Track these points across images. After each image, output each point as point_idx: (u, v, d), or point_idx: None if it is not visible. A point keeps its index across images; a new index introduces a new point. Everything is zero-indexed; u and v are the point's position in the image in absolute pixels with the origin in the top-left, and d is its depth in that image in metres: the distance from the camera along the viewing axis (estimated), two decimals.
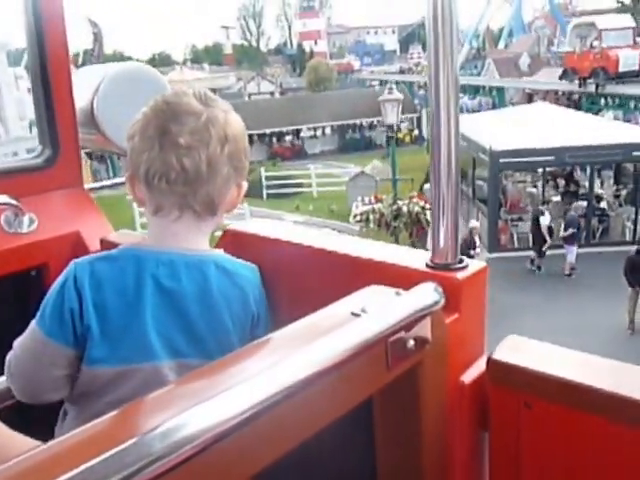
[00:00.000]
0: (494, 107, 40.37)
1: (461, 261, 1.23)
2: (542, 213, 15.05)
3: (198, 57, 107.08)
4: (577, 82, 30.56)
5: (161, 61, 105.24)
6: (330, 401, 0.93)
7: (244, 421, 0.74)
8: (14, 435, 0.96)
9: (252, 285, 1.30)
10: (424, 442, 1.15)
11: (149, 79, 1.65)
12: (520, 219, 16.77)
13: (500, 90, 40.60)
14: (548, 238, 14.43)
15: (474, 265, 1.24)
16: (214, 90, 57.82)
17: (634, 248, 12.45)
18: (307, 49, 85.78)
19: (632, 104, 28.78)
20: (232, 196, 1.25)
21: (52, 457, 0.69)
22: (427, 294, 1.06)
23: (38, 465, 0.67)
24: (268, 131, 37.99)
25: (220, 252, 1.32)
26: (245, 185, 1.26)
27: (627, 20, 30.04)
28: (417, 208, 11.30)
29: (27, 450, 0.70)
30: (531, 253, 15.16)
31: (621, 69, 27.82)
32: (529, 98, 39.81)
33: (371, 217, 11.22)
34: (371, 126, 39.85)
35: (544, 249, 14.64)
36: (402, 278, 1.14)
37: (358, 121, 38.94)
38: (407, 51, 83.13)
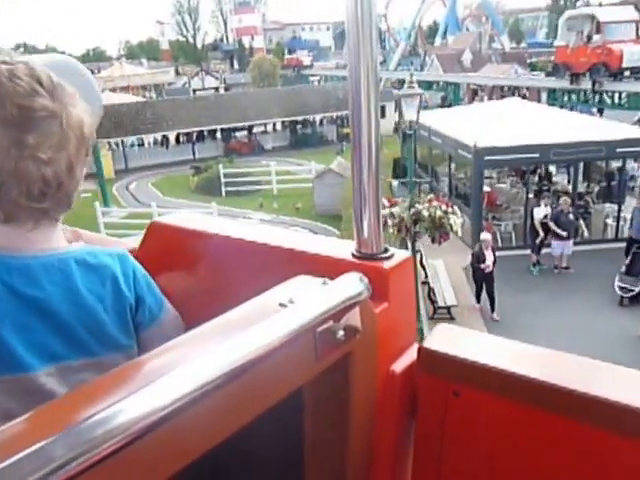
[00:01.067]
0: (444, 103, 41.29)
1: (386, 250, 1.25)
2: (537, 205, 15.09)
3: (133, 53, 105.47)
4: (568, 79, 29.24)
5: (95, 56, 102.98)
6: (259, 392, 0.92)
7: (172, 413, 0.73)
8: None
9: (121, 272, 1.22)
10: (352, 430, 1.15)
11: (74, 71, 1.57)
12: (501, 218, 17.01)
13: (456, 86, 41.36)
14: (541, 232, 14.42)
15: (400, 254, 1.26)
16: (157, 85, 57.28)
17: (618, 245, 12.51)
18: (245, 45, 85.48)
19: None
20: (78, 190, 1.15)
21: None
22: (352, 283, 1.04)
23: None
24: (219, 127, 37.72)
25: (80, 245, 1.21)
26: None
27: (631, 12, 28.04)
28: (439, 212, 10.90)
29: None
30: (518, 252, 15.23)
31: (625, 65, 26.28)
32: (474, 94, 40.89)
33: (390, 222, 10.78)
34: (321, 122, 40.14)
35: (537, 242, 14.64)
36: (329, 268, 1.13)
37: (311, 117, 39.03)
38: (342, 47, 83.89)
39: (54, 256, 1.14)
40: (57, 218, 1.15)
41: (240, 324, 0.91)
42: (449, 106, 36.93)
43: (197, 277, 1.42)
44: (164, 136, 37.27)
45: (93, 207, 22.70)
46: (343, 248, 1.27)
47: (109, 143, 33.75)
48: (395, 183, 20.10)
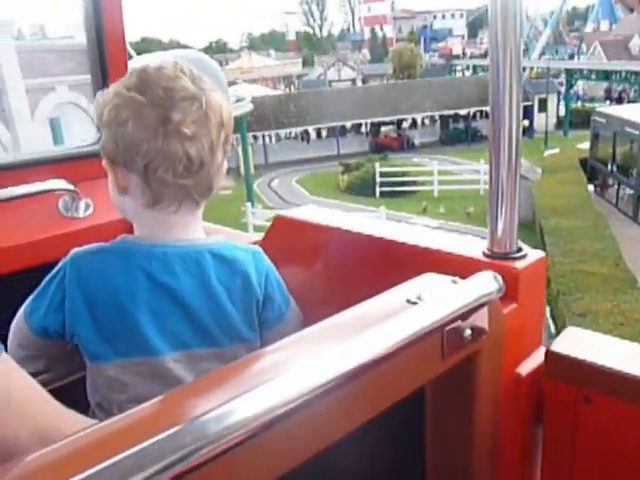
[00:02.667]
0: (609, 96, 36.81)
1: (519, 250, 1.19)
2: None
3: (254, 44, 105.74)
4: None
5: (218, 49, 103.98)
6: (383, 389, 0.92)
7: (294, 409, 0.73)
8: (71, 413, 0.90)
9: (254, 269, 1.25)
10: (476, 433, 1.11)
11: (204, 66, 1.54)
12: None
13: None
14: None
15: (533, 254, 1.19)
16: (288, 77, 55.63)
17: None
18: (368, 36, 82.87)
19: None
20: (222, 178, 1.21)
21: (108, 435, 0.70)
22: (485, 283, 1.02)
23: (93, 443, 0.68)
24: (366, 121, 35.14)
25: (217, 239, 1.26)
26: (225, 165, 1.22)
27: None
28: None
29: (84, 428, 0.72)
30: None
31: None
32: None
33: None
34: (474, 116, 36.59)
35: None
36: (458, 267, 1.11)
37: (465, 111, 35.58)
38: (476, 36, 79.85)
39: (191, 247, 1.19)
40: (198, 201, 1.19)
41: (368, 319, 0.92)
42: (619, 99, 32.54)
43: (319, 271, 1.43)
44: (305, 130, 35.16)
45: (235, 205, 20.74)
46: (473, 247, 1.22)
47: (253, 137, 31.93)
48: (591, 188, 16.87)
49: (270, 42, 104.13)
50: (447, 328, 0.94)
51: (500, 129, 1.12)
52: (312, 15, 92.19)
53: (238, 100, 24.09)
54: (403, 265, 1.19)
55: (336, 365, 0.79)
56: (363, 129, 36.25)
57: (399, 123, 35.79)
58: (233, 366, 0.90)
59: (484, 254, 1.19)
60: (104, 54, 1.86)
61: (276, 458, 0.78)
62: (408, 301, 0.97)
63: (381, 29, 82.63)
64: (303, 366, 0.79)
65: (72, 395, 0.93)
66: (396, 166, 27.09)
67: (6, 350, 0.82)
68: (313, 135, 36.19)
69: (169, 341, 1.17)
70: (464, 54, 65.19)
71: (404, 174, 25.76)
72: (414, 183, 25.45)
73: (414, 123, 37.19)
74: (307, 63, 68.53)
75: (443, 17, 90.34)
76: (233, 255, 1.24)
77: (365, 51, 73.51)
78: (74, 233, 1.65)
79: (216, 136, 1.15)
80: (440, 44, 69.27)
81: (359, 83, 49.01)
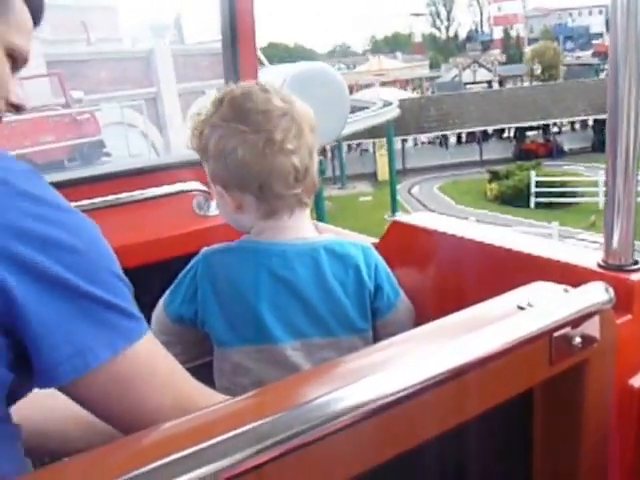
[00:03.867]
0: None
1: (636, 262, 1.16)
2: None
3: (378, 47, 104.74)
4: None
5: (342, 52, 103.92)
6: (490, 388, 0.94)
7: (399, 401, 0.77)
8: (205, 388, 0.97)
9: (364, 262, 1.33)
10: (586, 441, 1.09)
11: (328, 80, 1.74)
12: None
13: None
14: None
15: None
16: (419, 79, 53.96)
17: None
18: (500, 34, 79.68)
19: None
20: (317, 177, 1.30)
21: (238, 410, 0.78)
22: (596, 292, 1.01)
23: (225, 415, 0.76)
24: (511, 126, 33.00)
25: (329, 236, 1.36)
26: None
27: None
28: None
29: (217, 402, 0.82)
30: None
31: None
32: None
33: None
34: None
35: None
36: (570, 276, 1.11)
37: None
38: None
39: (306, 244, 1.30)
40: (307, 203, 1.30)
41: (477, 322, 0.95)
42: None
43: (431, 275, 1.47)
44: (444, 135, 33.50)
45: (377, 213, 19.48)
46: (588, 257, 1.22)
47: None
48: None
49: (394, 45, 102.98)
50: (556, 334, 0.95)
51: (617, 135, 1.09)
52: (439, 16, 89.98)
53: (385, 104, 22.88)
54: (515, 273, 1.20)
55: (445, 362, 0.83)
56: (506, 134, 34.14)
57: (544, 128, 33.36)
58: (348, 358, 0.95)
59: (598, 265, 1.18)
60: (237, 59, 2.00)
61: (376, 447, 0.83)
62: (518, 307, 0.99)
63: (511, 28, 79.19)
64: (413, 361, 0.83)
65: (201, 378, 0.98)
66: (554, 175, 24.92)
67: None
68: (452, 140, 34.47)
69: (288, 331, 1.27)
70: None
71: (563, 184, 23.60)
72: (574, 194, 23.22)
73: (559, 128, 34.61)
74: (435, 65, 66.70)
75: (579, 14, 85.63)
76: (345, 250, 1.33)
77: (496, 51, 70.52)
78: (206, 229, 1.86)
79: (312, 141, 1.26)
80: (597, 41, 64.91)
81: (495, 85, 46.65)
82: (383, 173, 29.04)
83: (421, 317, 1.20)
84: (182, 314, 1.32)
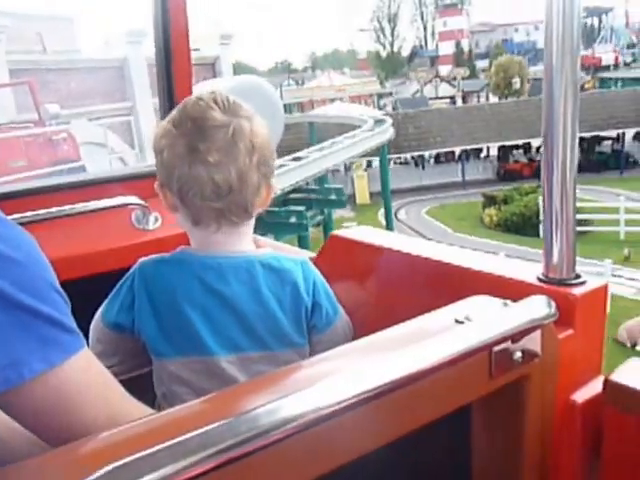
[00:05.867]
0: None
1: (578, 276, 1.17)
2: None
3: (318, 64, 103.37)
4: None
5: (282, 69, 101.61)
6: (428, 402, 0.93)
7: (335, 413, 0.76)
8: (139, 403, 0.98)
9: (301, 277, 1.32)
10: (526, 457, 1.09)
11: (261, 91, 1.74)
12: None
13: None
14: None
15: (593, 282, 1.17)
16: (379, 95, 51.85)
17: None
18: (445, 50, 78.77)
19: None
20: (263, 198, 1.28)
21: (169, 422, 0.78)
22: (537, 306, 1.01)
23: (156, 428, 0.76)
24: (484, 145, 30.75)
25: (266, 251, 1.35)
26: (274, 182, 1.31)
27: None
28: None
29: (148, 414, 0.85)
30: None
31: None
32: None
33: None
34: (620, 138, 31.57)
35: None
36: (511, 291, 1.11)
37: (616, 132, 30.63)
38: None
39: (242, 258, 1.29)
40: (236, 222, 1.26)
41: (414, 336, 0.94)
42: None
43: (369, 289, 1.46)
44: (420, 155, 30.98)
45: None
46: (527, 271, 1.21)
47: (368, 162, 27.93)
48: None
49: (333, 61, 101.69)
50: (496, 348, 0.94)
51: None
52: (383, 32, 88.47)
53: (377, 122, 20.14)
54: (454, 287, 1.20)
55: (381, 375, 0.82)
56: (484, 153, 31.87)
57: (526, 147, 31.22)
58: (283, 370, 0.96)
59: (539, 279, 1.17)
60: (171, 74, 1.95)
61: (312, 461, 0.81)
62: (456, 321, 0.98)
63: (457, 44, 78.25)
64: (349, 374, 0.82)
65: (139, 388, 0.98)
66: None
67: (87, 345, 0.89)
68: (428, 159, 32.01)
69: (224, 344, 1.26)
70: (617, 65, 57.42)
71: (578, 211, 21.20)
72: (588, 222, 20.81)
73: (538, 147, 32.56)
74: (381, 81, 65.01)
75: (526, 30, 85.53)
76: (282, 265, 1.31)
77: (448, 67, 69.17)
78: (144, 243, 1.84)
79: (245, 161, 1.20)
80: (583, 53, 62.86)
81: (459, 101, 44.74)
82: (362, 197, 26.23)
83: (360, 332, 1.16)
84: (119, 322, 1.31)
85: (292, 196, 13.92)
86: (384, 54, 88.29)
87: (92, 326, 1.34)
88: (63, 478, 0.63)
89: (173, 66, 1.93)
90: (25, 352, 0.76)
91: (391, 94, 51.87)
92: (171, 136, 1.22)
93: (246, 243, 1.31)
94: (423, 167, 32.09)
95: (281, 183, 11.94)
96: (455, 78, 47.42)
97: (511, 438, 1.07)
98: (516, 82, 41.31)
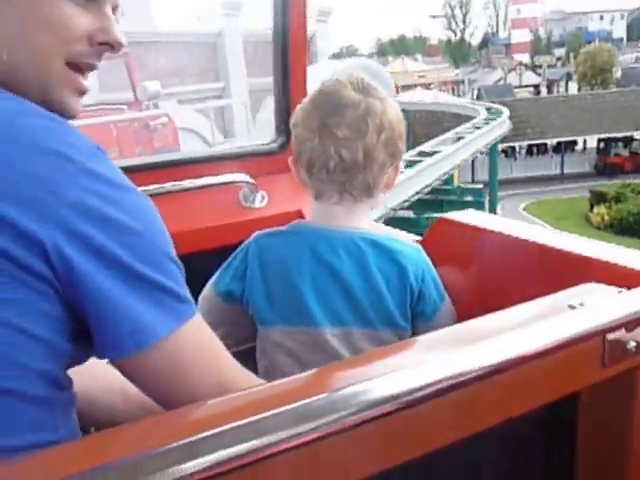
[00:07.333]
0: None
1: None
2: None
3: (384, 50, 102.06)
4: None
5: (348, 54, 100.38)
6: (535, 387, 0.90)
7: (436, 394, 0.76)
8: (247, 372, 1.00)
9: (413, 263, 1.31)
10: (634, 452, 1.03)
11: (374, 74, 2.58)
12: None
13: None
14: None
15: None
16: (461, 82, 50.21)
17: None
18: (517, 39, 76.28)
19: None
20: (388, 178, 1.29)
21: (275, 393, 0.80)
22: None
23: (263, 397, 0.79)
24: (581, 138, 29.00)
25: (382, 231, 1.37)
26: (401, 166, 1.32)
27: None
28: None
29: (255, 384, 0.89)
30: None
31: None
32: None
33: None
34: None
35: None
36: (626, 279, 1.06)
37: None
38: (637, 39, 72.01)
39: (356, 233, 1.28)
40: (356, 197, 1.26)
41: (524, 320, 0.92)
42: None
43: (476, 273, 1.44)
44: (511, 146, 29.45)
45: None
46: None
47: None
48: None
49: (399, 47, 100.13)
50: (609, 336, 0.90)
51: None
52: (454, 19, 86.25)
53: (491, 113, 18.79)
54: (565, 275, 1.15)
55: (486, 358, 0.80)
56: (580, 145, 30.15)
57: (627, 140, 29.34)
58: (387, 349, 0.97)
59: None
60: (287, 63, 1.96)
61: (409, 442, 0.80)
62: (569, 306, 0.96)
63: (535, 32, 75.65)
64: (452, 356, 0.81)
65: (242, 362, 1.00)
66: None
67: None
68: (522, 151, 30.47)
69: (329, 316, 1.26)
70: None
71: None
72: None
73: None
74: (456, 67, 63.36)
75: (601, 18, 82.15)
76: (394, 246, 1.30)
77: (524, 55, 66.80)
78: (250, 221, 1.82)
79: (373, 139, 1.21)
80: None
81: (543, 90, 42.79)
82: None
83: (463, 317, 1.12)
84: (231, 290, 1.34)
85: (419, 197, 12.42)
86: (454, 41, 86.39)
87: (201, 297, 1.36)
88: (171, 439, 0.64)
89: (290, 47, 1.97)
90: (146, 318, 0.80)
91: (463, 82, 50.06)
92: (306, 111, 1.26)
93: (363, 220, 1.33)
94: (515, 158, 30.52)
95: (415, 185, 10.68)
96: (540, 66, 45.51)
97: (621, 431, 1.02)
98: (617, 70, 39.30)
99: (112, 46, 0.93)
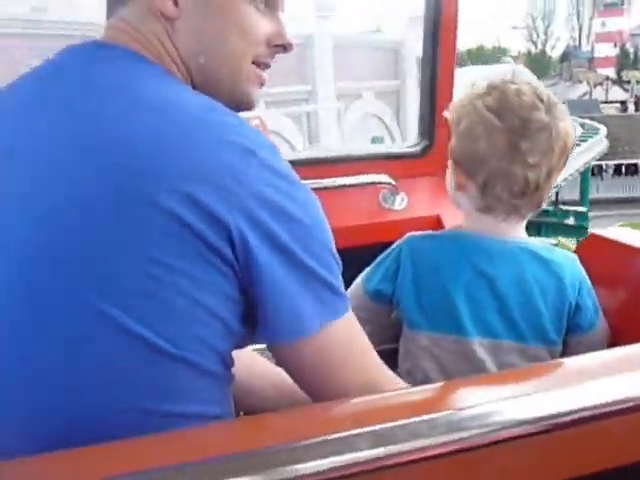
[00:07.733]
0: None
1: None
2: None
3: (461, 60, 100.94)
4: None
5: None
6: None
7: (592, 418, 0.72)
8: (391, 373, 1.00)
9: (571, 274, 1.28)
10: None
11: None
12: None
13: None
14: None
15: None
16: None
17: None
18: (601, 53, 73.91)
19: None
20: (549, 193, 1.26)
21: (419, 399, 0.80)
22: None
23: (409, 401, 0.78)
24: None
25: (537, 240, 1.34)
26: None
27: None
28: None
29: (399, 388, 0.88)
30: None
31: None
32: None
33: None
34: None
35: None
36: None
37: None
38: None
39: (514, 244, 1.29)
40: (525, 215, 1.30)
41: None
42: None
43: (628, 294, 1.40)
44: (599, 165, 28.28)
45: None
46: None
47: None
48: None
49: (477, 58, 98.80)
50: None
51: None
52: (536, 30, 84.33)
53: (586, 132, 17.91)
54: None
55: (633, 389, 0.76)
56: None
57: None
58: (538, 366, 0.92)
59: None
60: (436, 61, 1.95)
61: (562, 464, 0.75)
62: None
63: (622, 47, 73.20)
64: (611, 381, 0.77)
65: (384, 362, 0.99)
66: None
67: None
68: (609, 170, 29.27)
69: (479, 327, 1.24)
70: None
71: None
72: None
73: None
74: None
75: None
76: (552, 257, 1.29)
77: (605, 70, 64.68)
78: (389, 223, 1.87)
79: (557, 163, 1.23)
80: None
81: (630, 107, 41.13)
82: None
83: (614, 338, 1.08)
84: (381, 290, 1.33)
85: None
86: (534, 52, 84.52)
87: (349, 293, 1.26)
88: (313, 432, 0.64)
89: (439, 52, 1.92)
90: (307, 309, 0.83)
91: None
92: (492, 127, 1.22)
93: (520, 230, 1.32)
94: (602, 178, 29.32)
95: None
96: (629, 81, 43.74)
97: None
98: None
99: (285, 47, 1.02)
